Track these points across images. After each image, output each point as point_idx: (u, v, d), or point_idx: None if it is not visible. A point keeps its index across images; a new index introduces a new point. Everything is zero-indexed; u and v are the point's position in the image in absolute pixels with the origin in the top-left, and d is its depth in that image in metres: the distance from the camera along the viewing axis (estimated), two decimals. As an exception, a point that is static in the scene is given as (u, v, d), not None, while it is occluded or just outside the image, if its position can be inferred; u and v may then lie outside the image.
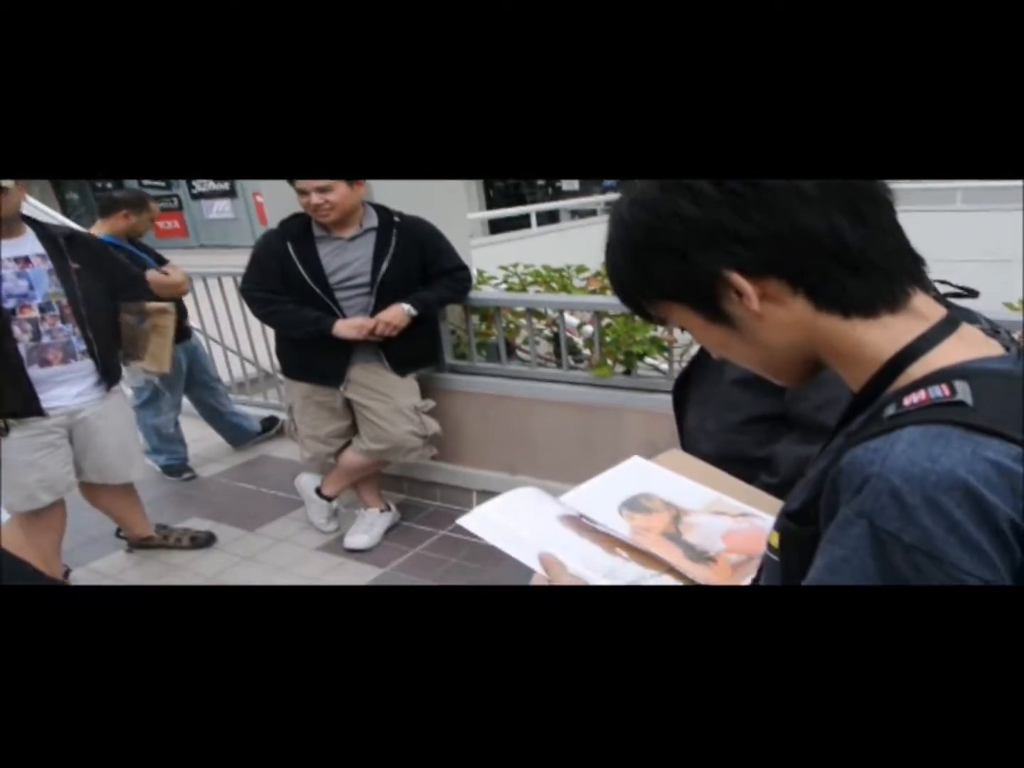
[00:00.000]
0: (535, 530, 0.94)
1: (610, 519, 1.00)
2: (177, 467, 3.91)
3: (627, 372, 3.02)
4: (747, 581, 0.92)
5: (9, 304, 2.43)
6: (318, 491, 3.20)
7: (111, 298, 2.69)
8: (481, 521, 0.96)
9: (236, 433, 4.18)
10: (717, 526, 1.00)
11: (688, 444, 1.43)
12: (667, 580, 0.91)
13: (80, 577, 3.03)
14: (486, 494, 3.31)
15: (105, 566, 3.12)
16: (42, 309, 2.50)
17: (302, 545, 3.17)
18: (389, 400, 2.92)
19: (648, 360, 3.15)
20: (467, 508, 3.35)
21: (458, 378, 3.26)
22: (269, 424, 4.23)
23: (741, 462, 1.27)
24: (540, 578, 0.87)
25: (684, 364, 1.71)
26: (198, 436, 4.41)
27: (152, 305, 2.76)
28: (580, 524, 0.98)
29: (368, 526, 3.13)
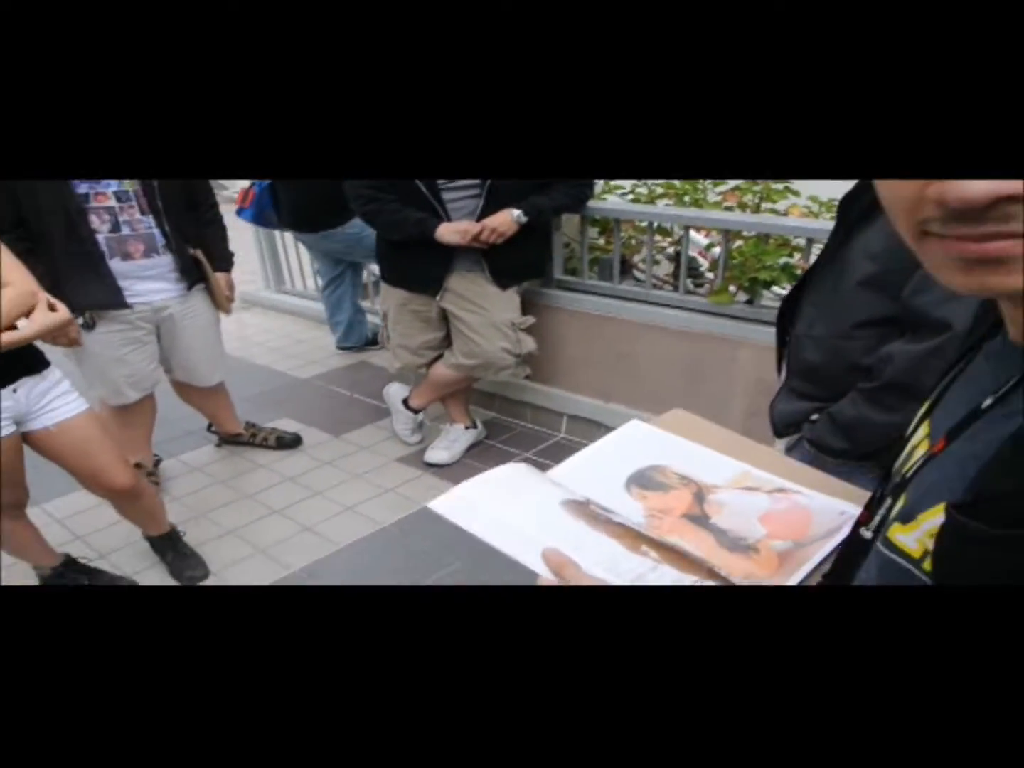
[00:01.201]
0: (535, 520, 0.71)
1: (616, 500, 0.77)
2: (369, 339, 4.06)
3: (749, 301, 2.68)
4: (798, 577, 0.68)
5: (82, 189, 2.32)
6: (405, 402, 3.09)
7: (186, 195, 2.59)
8: (460, 505, 0.73)
9: (349, 333, 4.11)
10: (751, 505, 0.78)
11: (792, 354, 1.38)
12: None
13: (170, 467, 3.07)
14: (577, 419, 3.14)
15: (194, 458, 3.15)
16: (119, 198, 2.40)
17: (383, 455, 3.09)
18: (485, 313, 2.71)
19: (775, 289, 2.79)
20: (556, 432, 3.27)
21: (564, 295, 3.00)
22: (375, 339, 4.13)
23: (846, 370, 1.27)
24: (547, 582, 0.65)
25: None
26: (305, 337, 4.42)
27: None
28: (591, 513, 0.74)
29: (451, 442, 3.00)
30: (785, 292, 2.78)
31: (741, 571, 0.68)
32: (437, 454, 2.97)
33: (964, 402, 0.49)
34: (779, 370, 1.53)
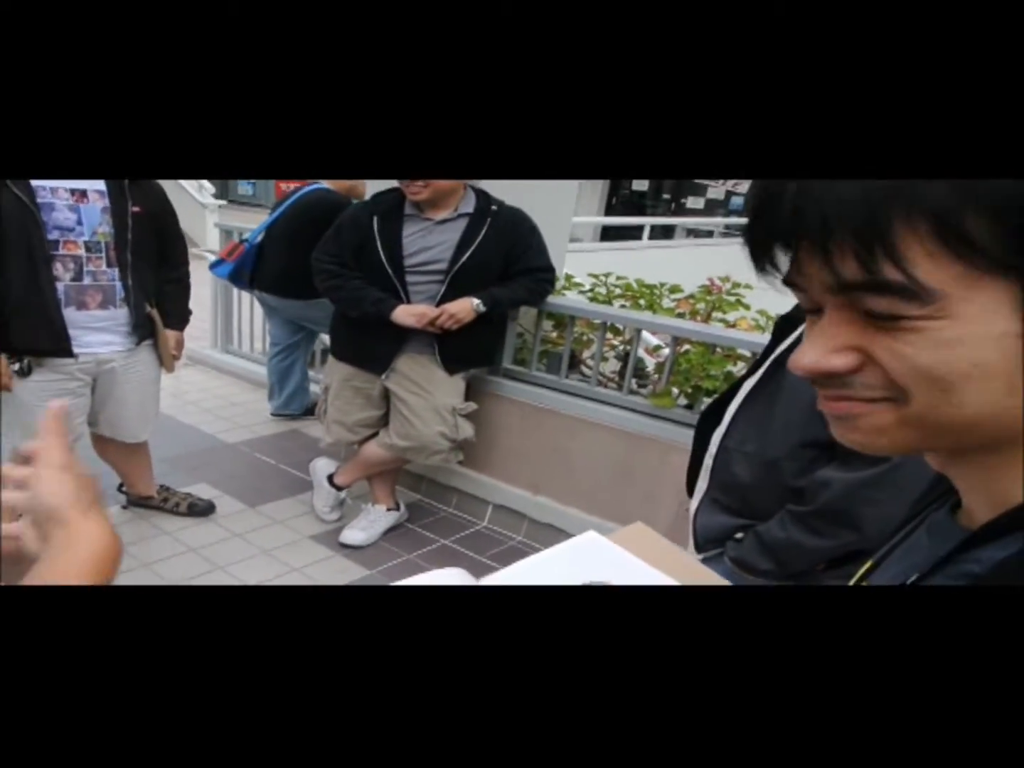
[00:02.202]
0: None
1: None
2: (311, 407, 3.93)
3: (689, 406, 2.66)
4: None
5: (53, 236, 2.27)
6: (330, 478, 2.97)
7: (158, 251, 2.54)
8: None
9: (292, 401, 3.99)
10: None
11: (718, 466, 1.35)
12: None
13: (68, 522, 2.88)
14: (503, 509, 3.04)
15: (97, 516, 2.97)
16: (88, 248, 2.34)
17: (297, 531, 2.94)
18: (428, 396, 2.65)
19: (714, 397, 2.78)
20: (479, 521, 3.15)
21: (509, 384, 2.96)
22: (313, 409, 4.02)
23: (777, 489, 1.25)
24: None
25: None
26: (241, 400, 4.30)
27: None
28: None
29: (370, 523, 2.87)
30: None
31: None
32: (353, 535, 2.83)
33: (901, 571, 0.49)
34: (690, 479, 1.49)
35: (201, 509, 3.01)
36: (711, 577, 0.89)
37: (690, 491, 1.51)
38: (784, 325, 1.35)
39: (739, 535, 1.33)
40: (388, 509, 2.92)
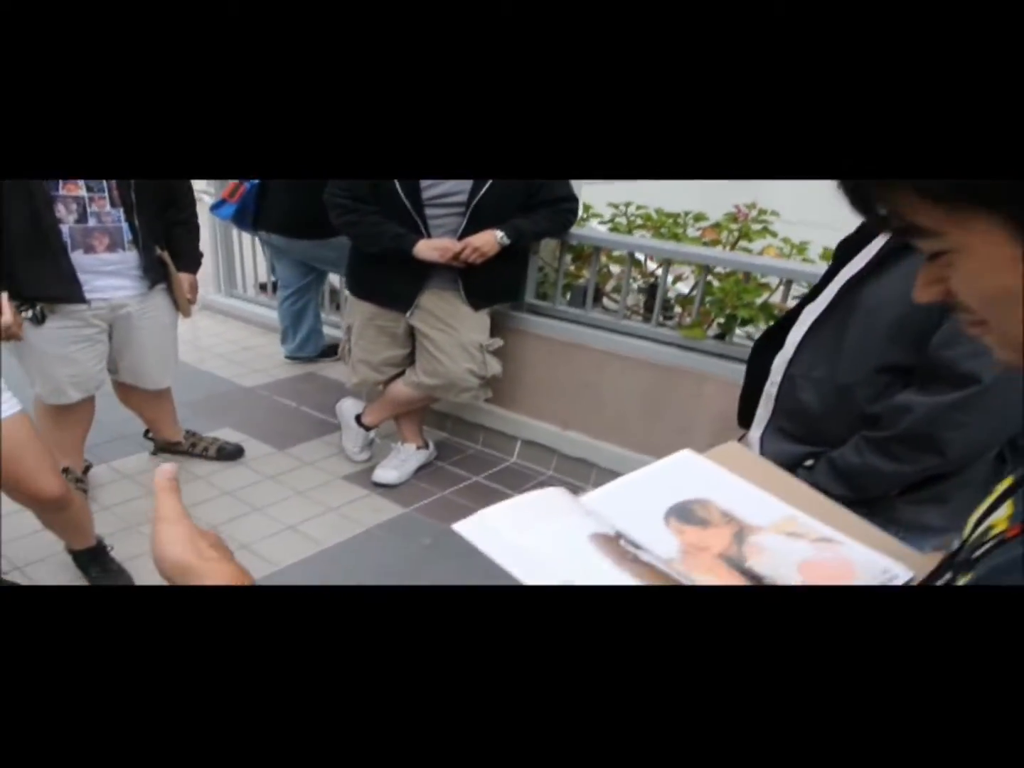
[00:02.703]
0: (558, 552, 0.67)
1: (652, 531, 0.74)
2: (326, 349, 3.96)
3: (721, 336, 2.68)
4: None
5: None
6: (358, 418, 2.99)
7: (163, 191, 2.49)
8: (486, 532, 0.69)
9: (306, 344, 3.98)
10: (792, 552, 0.75)
11: (783, 394, 1.35)
12: None
13: (100, 474, 2.90)
14: (532, 445, 3.09)
15: (127, 466, 2.99)
16: (89, 188, 2.28)
17: (329, 472, 2.98)
18: (454, 333, 2.65)
19: (746, 329, 2.80)
20: (508, 457, 3.21)
21: (534, 319, 2.96)
22: (331, 351, 4.01)
23: (849, 415, 1.25)
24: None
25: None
26: (252, 344, 4.29)
27: None
28: (619, 550, 0.70)
29: (400, 462, 2.91)
30: (756, 332, 2.82)
31: None
32: (386, 474, 2.87)
33: None
34: (745, 409, 1.51)
35: (230, 452, 3.04)
36: (810, 494, 0.88)
37: (744, 422, 1.53)
38: (845, 249, 1.36)
39: (809, 462, 1.35)
40: (418, 448, 2.96)
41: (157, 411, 2.92)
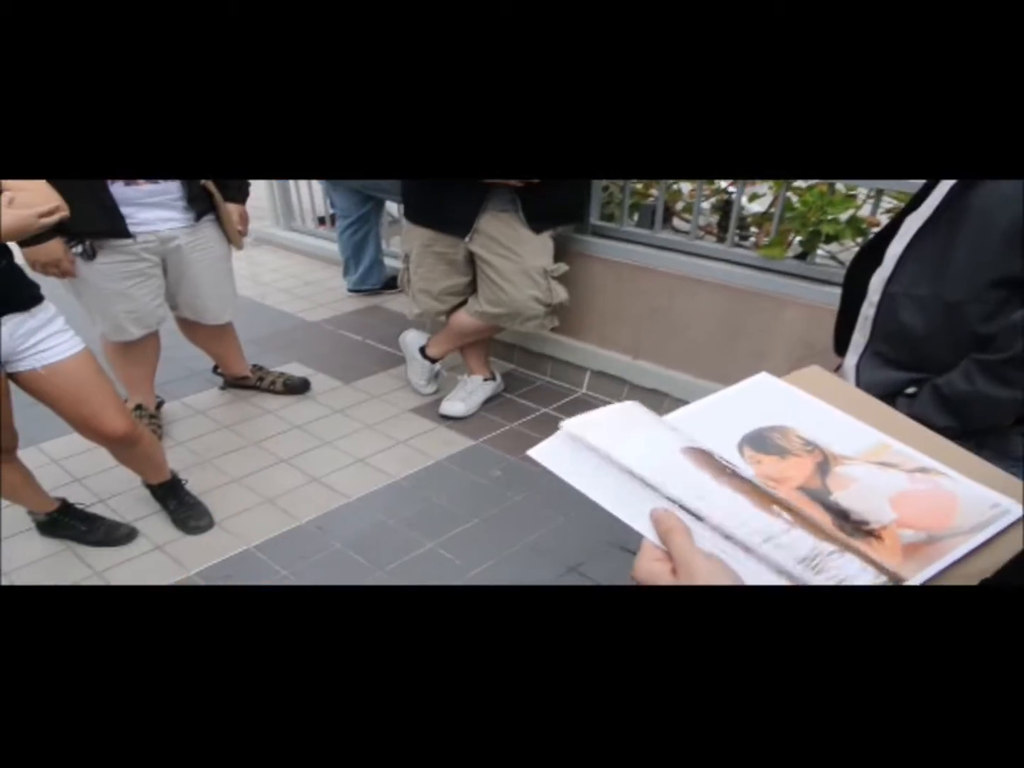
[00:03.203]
0: (650, 465, 0.62)
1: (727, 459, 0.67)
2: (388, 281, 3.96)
3: (802, 256, 2.55)
4: (925, 575, 0.57)
5: None
6: (422, 351, 2.98)
7: None
8: (564, 453, 0.63)
9: (368, 276, 3.98)
10: (884, 483, 0.67)
11: (882, 314, 1.26)
12: (851, 562, 0.57)
13: (172, 410, 2.97)
14: (602, 375, 3.03)
15: (198, 401, 3.05)
16: None
17: (396, 405, 2.99)
18: (516, 259, 2.59)
19: (829, 248, 2.66)
20: (578, 388, 3.17)
21: (599, 242, 2.87)
22: (394, 282, 3.97)
23: (958, 336, 1.16)
24: (652, 553, 0.57)
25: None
26: (314, 278, 4.30)
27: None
28: (716, 465, 0.64)
29: (468, 394, 2.90)
30: (840, 251, 2.68)
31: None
32: (453, 406, 2.87)
33: None
34: (840, 334, 1.42)
35: (297, 386, 3.07)
36: (905, 422, 0.80)
37: (840, 348, 1.44)
38: None
39: (911, 390, 1.27)
40: (484, 379, 2.94)
41: (222, 346, 2.96)
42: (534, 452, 0.64)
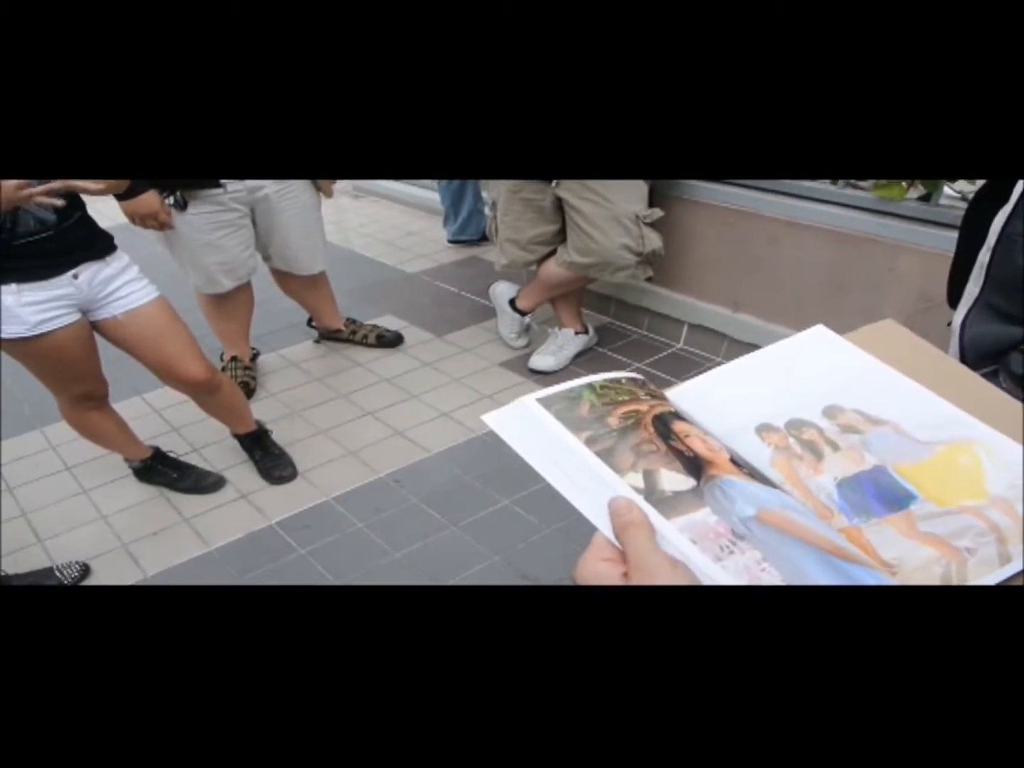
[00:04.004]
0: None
1: (745, 448, 0.56)
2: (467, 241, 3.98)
3: (925, 198, 2.32)
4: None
5: None
6: (512, 303, 2.94)
7: None
8: (524, 422, 0.56)
9: (467, 226, 3.99)
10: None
11: (997, 259, 1.09)
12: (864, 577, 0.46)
13: (268, 361, 3.08)
14: (699, 329, 2.90)
15: (293, 354, 3.15)
16: None
17: (486, 358, 2.99)
18: (606, 204, 2.49)
19: (959, 187, 2.41)
20: (674, 342, 3.05)
21: (697, 184, 2.72)
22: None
23: None
24: (602, 551, 0.49)
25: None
26: (416, 228, 4.33)
27: None
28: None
29: (558, 348, 2.85)
30: (972, 190, 2.42)
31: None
32: (543, 360, 2.83)
33: None
34: (954, 285, 1.26)
35: (389, 340, 3.11)
36: (984, 387, 0.68)
37: (953, 300, 1.29)
38: None
39: None
40: (576, 333, 2.88)
41: (315, 298, 3.02)
42: (488, 418, 0.57)
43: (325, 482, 2.39)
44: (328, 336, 3.18)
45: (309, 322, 3.20)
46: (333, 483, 2.38)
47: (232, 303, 2.73)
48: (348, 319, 3.17)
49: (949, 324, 1.28)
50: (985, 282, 1.17)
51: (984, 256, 1.17)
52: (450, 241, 4.03)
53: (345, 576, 2.02)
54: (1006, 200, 1.14)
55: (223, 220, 2.50)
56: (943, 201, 2.30)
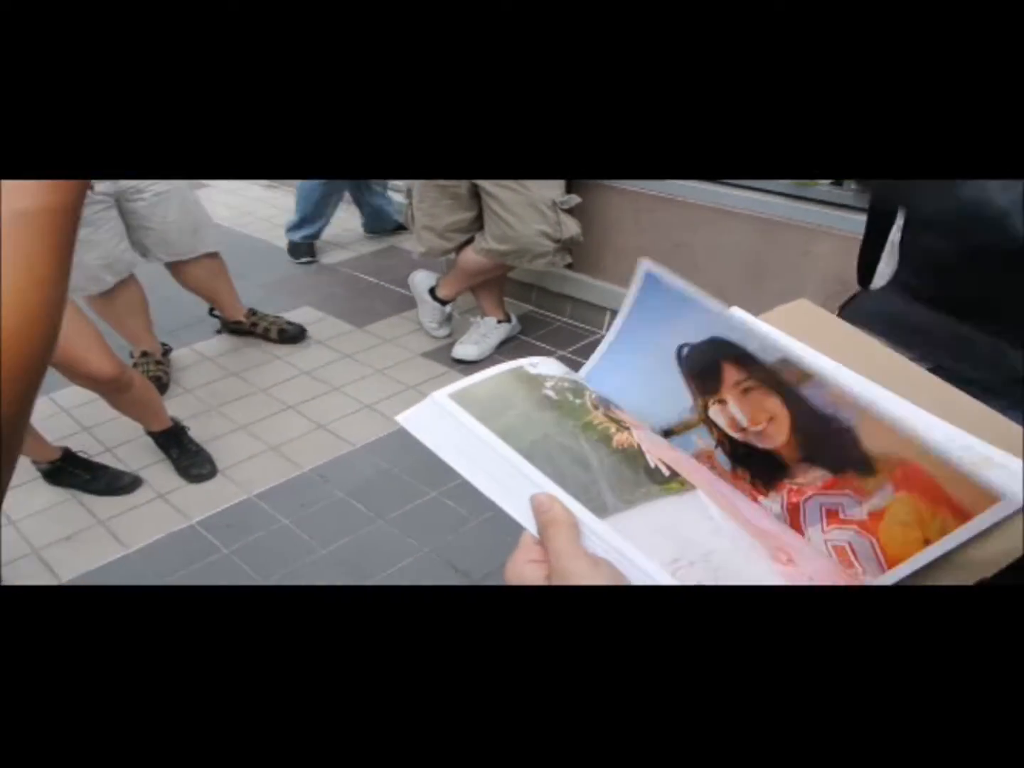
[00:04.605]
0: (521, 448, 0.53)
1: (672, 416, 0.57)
2: (301, 247, 3.78)
3: (838, 183, 2.42)
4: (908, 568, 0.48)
5: None
6: (432, 292, 2.94)
7: None
8: (438, 419, 0.54)
9: (376, 219, 3.95)
10: None
11: (907, 239, 1.09)
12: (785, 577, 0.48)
13: (181, 356, 2.99)
14: (623, 317, 2.94)
15: (207, 348, 3.07)
16: None
17: (408, 349, 2.98)
18: (523, 191, 2.51)
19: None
20: (598, 329, 3.10)
21: (615, 171, 2.76)
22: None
23: (983, 248, 0.96)
24: (529, 552, 0.48)
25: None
26: (332, 219, 4.27)
27: None
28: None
29: (481, 336, 2.86)
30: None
31: (822, 572, 0.49)
32: (466, 349, 2.84)
33: None
34: (863, 262, 1.32)
35: (292, 334, 3.04)
36: (899, 361, 0.73)
37: (864, 279, 1.35)
38: None
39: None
40: (499, 321, 2.90)
41: (213, 286, 2.91)
42: (401, 419, 0.55)
43: (247, 479, 2.35)
44: (230, 328, 3.09)
45: (211, 311, 3.08)
46: (255, 480, 2.34)
47: (121, 301, 2.62)
48: (250, 310, 3.07)
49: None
50: (899, 262, 1.22)
51: (896, 236, 1.22)
52: (366, 232, 3.99)
53: (272, 574, 1.99)
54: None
55: (90, 214, 2.40)
56: (853, 186, 2.40)
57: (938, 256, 1.11)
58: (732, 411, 0.55)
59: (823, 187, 2.39)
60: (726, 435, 0.55)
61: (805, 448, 0.53)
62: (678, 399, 0.58)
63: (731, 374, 0.56)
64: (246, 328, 3.06)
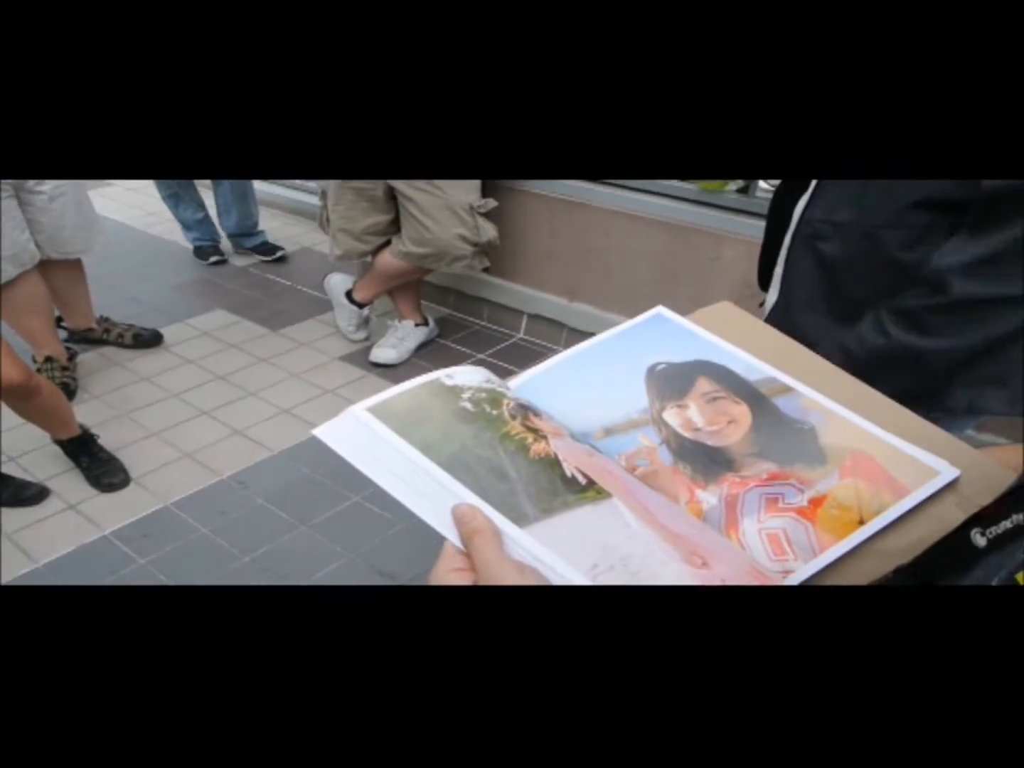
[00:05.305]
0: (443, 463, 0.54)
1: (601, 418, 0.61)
2: (206, 249, 3.71)
3: (743, 190, 2.56)
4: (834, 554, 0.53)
5: None
6: (349, 295, 2.95)
7: None
8: (357, 433, 0.56)
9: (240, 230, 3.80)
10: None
11: (797, 243, 1.21)
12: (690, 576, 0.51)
13: (88, 361, 2.91)
14: (539, 319, 3.04)
15: (116, 352, 2.99)
16: None
17: (325, 352, 2.98)
18: (440, 194, 2.55)
19: (771, 182, 2.66)
20: (515, 332, 3.17)
21: (530, 176, 2.84)
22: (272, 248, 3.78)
23: (873, 264, 1.10)
24: (452, 561, 0.49)
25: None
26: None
27: None
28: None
29: (399, 340, 2.89)
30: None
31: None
32: (384, 353, 2.86)
33: None
34: (763, 266, 1.42)
35: (146, 339, 2.99)
36: (818, 363, 0.73)
37: (764, 283, 1.44)
38: None
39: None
40: (416, 324, 2.93)
41: (75, 291, 2.83)
42: (319, 432, 0.56)
43: (162, 487, 2.32)
44: (79, 337, 2.97)
45: (59, 322, 2.91)
46: (171, 487, 2.31)
47: (23, 295, 2.52)
48: (101, 317, 3.00)
49: (761, 305, 1.44)
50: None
51: (787, 240, 1.32)
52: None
53: (192, 584, 1.98)
54: (805, 189, 1.30)
55: None
56: (759, 193, 2.54)
57: (830, 261, 1.20)
58: (691, 415, 0.62)
59: (729, 195, 2.52)
60: (675, 434, 0.61)
61: (758, 445, 0.60)
62: (629, 403, 0.63)
63: (703, 386, 0.64)
64: (97, 336, 2.98)
